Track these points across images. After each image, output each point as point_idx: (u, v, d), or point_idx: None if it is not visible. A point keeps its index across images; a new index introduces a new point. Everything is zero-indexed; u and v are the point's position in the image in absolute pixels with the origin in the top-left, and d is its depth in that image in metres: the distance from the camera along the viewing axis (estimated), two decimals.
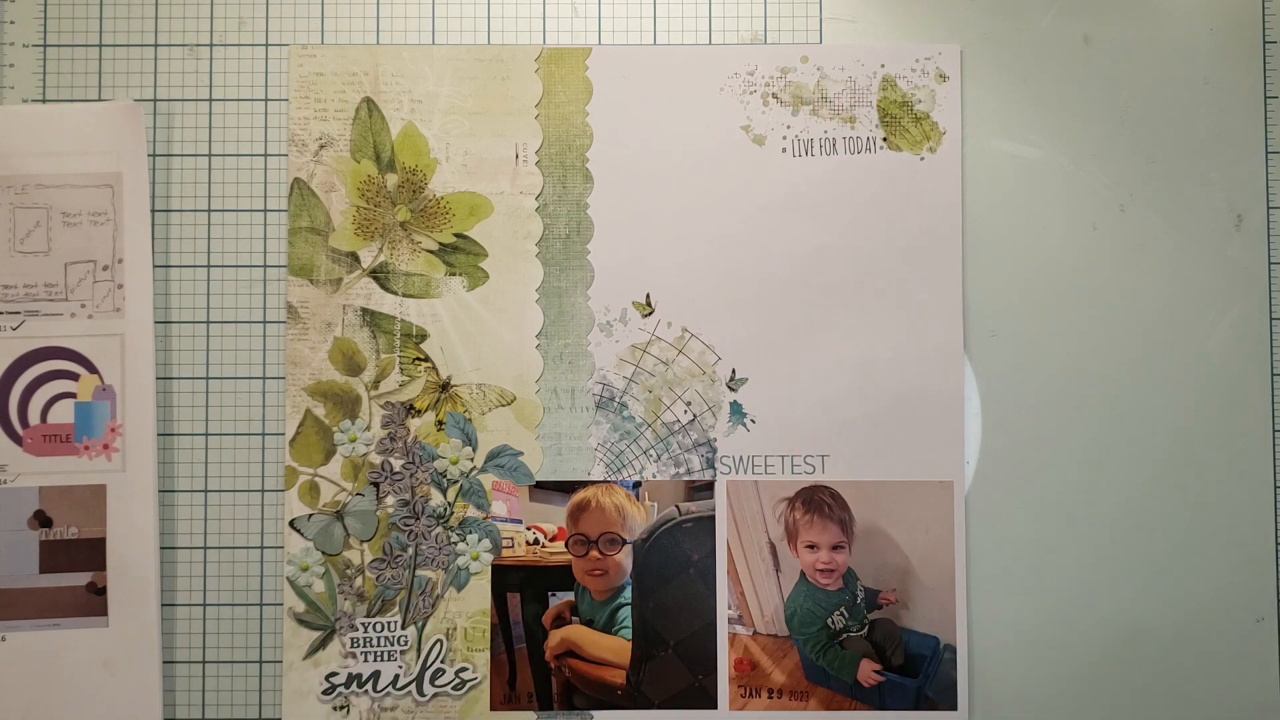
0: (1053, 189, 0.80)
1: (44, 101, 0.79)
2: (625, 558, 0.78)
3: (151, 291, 0.78)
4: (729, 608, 0.78)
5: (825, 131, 0.79)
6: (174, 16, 0.80)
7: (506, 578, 0.78)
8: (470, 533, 0.78)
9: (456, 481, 0.78)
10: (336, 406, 0.78)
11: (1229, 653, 0.78)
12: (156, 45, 0.80)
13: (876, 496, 0.78)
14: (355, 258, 0.79)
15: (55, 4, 0.80)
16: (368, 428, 0.78)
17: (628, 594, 0.78)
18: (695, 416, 0.79)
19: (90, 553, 0.77)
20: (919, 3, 0.80)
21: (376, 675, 0.77)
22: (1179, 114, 0.80)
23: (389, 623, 0.77)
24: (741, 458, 0.78)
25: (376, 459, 0.78)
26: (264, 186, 0.79)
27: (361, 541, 0.78)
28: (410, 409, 0.78)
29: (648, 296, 0.79)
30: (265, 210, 0.79)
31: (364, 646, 0.77)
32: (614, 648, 0.78)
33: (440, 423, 0.78)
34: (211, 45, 0.80)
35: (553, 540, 0.78)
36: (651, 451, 0.79)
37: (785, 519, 0.78)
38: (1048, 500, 0.79)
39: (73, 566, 0.77)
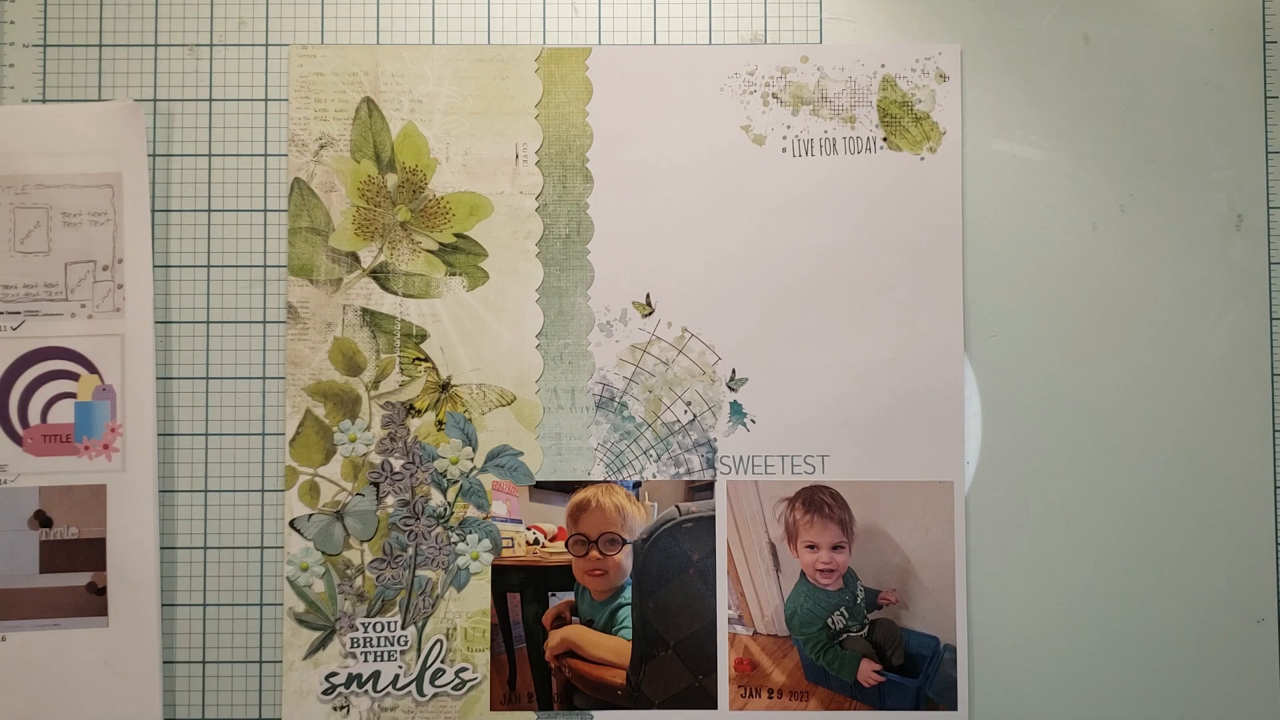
0: (1053, 189, 0.80)
1: (44, 101, 0.79)
2: (625, 558, 0.78)
3: (151, 291, 0.78)
4: (729, 608, 0.78)
5: (825, 131, 0.79)
6: (174, 16, 0.80)
7: (506, 578, 0.78)
8: (470, 533, 0.78)
9: (456, 481, 0.78)
10: (336, 406, 0.78)
11: (1229, 653, 0.78)
12: (156, 45, 0.80)
13: (876, 496, 0.78)
14: (355, 258, 0.79)
15: (55, 4, 0.80)
16: (368, 428, 0.78)
17: (628, 594, 0.78)
18: (695, 416, 0.79)
19: (90, 553, 0.77)
20: (919, 3, 0.80)
21: (376, 675, 0.77)
22: (1179, 114, 0.80)
23: (389, 623, 0.77)
24: (741, 458, 0.78)
25: (376, 459, 0.78)
26: (264, 186, 0.79)
27: (361, 541, 0.78)
28: (410, 409, 0.78)
29: (648, 296, 0.79)
30: (265, 210, 0.79)
31: (364, 646, 0.77)
32: (614, 648, 0.78)
33: (440, 423, 0.78)
34: (211, 45, 0.80)
35: (553, 540, 0.78)
36: (651, 451, 0.79)
37: (785, 519, 0.78)
38: (1048, 500, 0.79)
39: (73, 566, 0.77)
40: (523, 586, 0.78)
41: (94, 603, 0.77)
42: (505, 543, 0.78)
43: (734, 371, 0.79)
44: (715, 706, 0.77)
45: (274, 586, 0.78)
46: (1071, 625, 0.78)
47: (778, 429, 0.78)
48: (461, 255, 0.79)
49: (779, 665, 0.78)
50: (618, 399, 0.79)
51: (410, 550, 0.78)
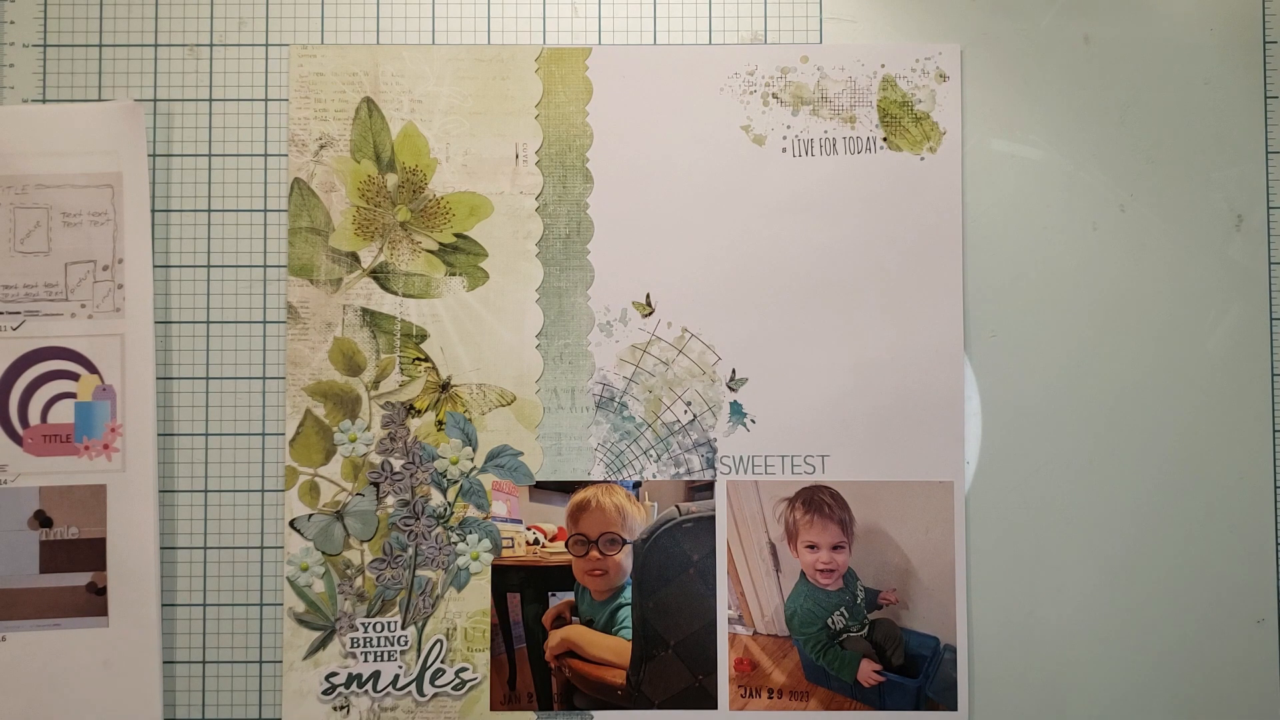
0: (1053, 189, 0.80)
1: (44, 101, 0.79)
2: (625, 558, 0.78)
3: (151, 291, 0.78)
4: (729, 608, 0.78)
5: (825, 131, 0.79)
6: (174, 16, 0.80)
7: (506, 578, 0.78)
8: (470, 533, 0.78)
9: (456, 481, 0.78)
10: (336, 406, 0.78)
11: (1229, 653, 0.78)
12: (156, 45, 0.80)
13: (876, 496, 0.78)
14: (355, 258, 0.79)
15: (55, 4, 0.80)
16: (368, 428, 0.78)
17: (628, 594, 0.78)
18: (695, 416, 0.79)
19: (90, 553, 0.77)
20: (919, 3, 0.80)
21: (376, 675, 0.77)
22: (1179, 114, 0.80)
23: (389, 623, 0.77)
24: (741, 458, 0.78)
25: (376, 459, 0.78)
26: (264, 186, 0.79)
27: (361, 541, 0.78)
28: (410, 409, 0.78)
29: (648, 296, 0.79)
30: (265, 210, 0.79)
31: (364, 646, 0.77)
32: (614, 648, 0.78)
33: (440, 423, 0.78)
34: (211, 45, 0.80)
35: (553, 540, 0.78)
36: (651, 451, 0.79)
37: (785, 519, 0.78)
38: (1048, 500, 0.79)
39: (73, 566, 0.77)
40: (523, 586, 0.78)
41: (94, 603, 0.77)
42: (505, 543, 0.78)
43: (734, 371, 0.79)
44: (715, 706, 0.77)
45: (274, 586, 0.78)
46: (1071, 625, 0.78)
47: (778, 429, 0.78)
48: (461, 255, 0.79)
49: (779, 665, 0.78)
50: (618, 399, 0.79)
51: (410, 550, 0.78)
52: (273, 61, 0.80)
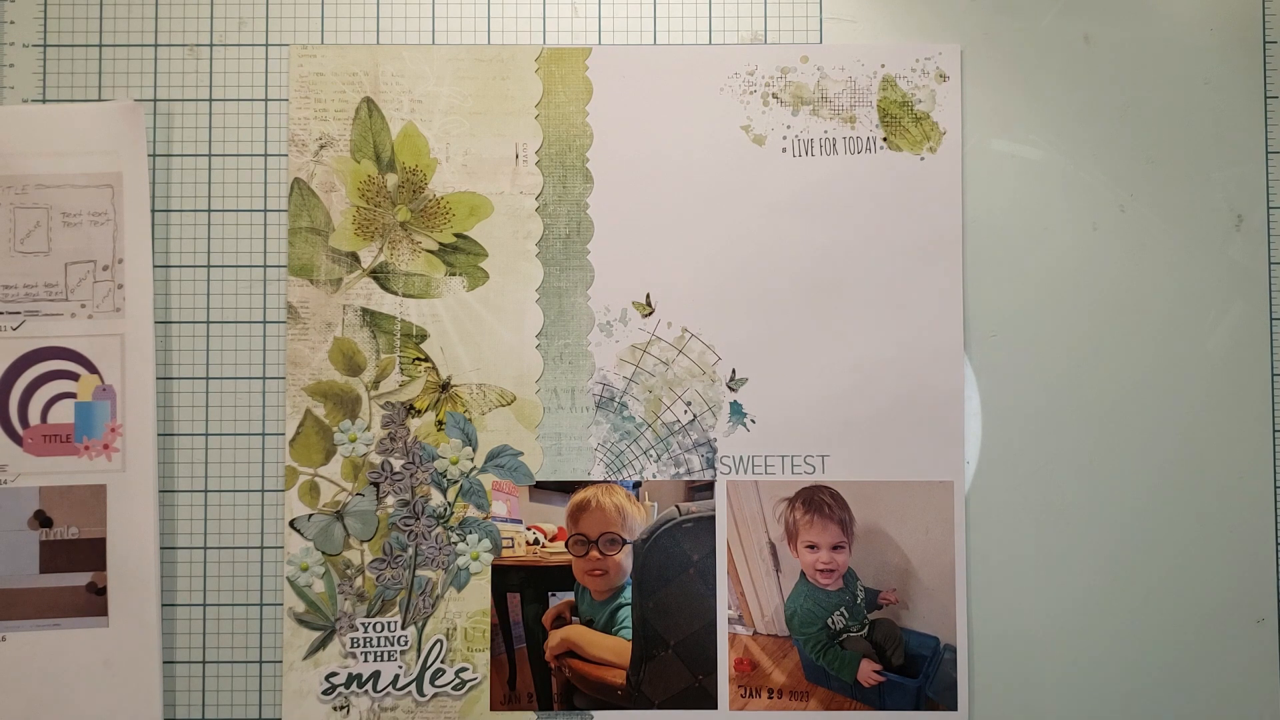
0: (1053, 189, 0.80)
1: (44, 101, 0.79)
2: (625, 558, 0.78)
3: (151, 291, 0.78)
4: (729, 608, 0.78)
5: (825, 131, 0.79)
6: (174, 16, 0.80)
7: (506, 578, 0.78)
8: (470, 533, 0.78)
9: (456, 481, 0.78)
10: (336, 406, 0.78)
11: (1229, 653, 0.78)
12: (156, 45, 0.80)
13: (876, 496, 0.78)
14: (355, 258, 0.79)
15: (55, 4, 0.80)
16: (368, 428, 0.78)
17: (628, 594, 0.78)
18: (695, 416, 0.79)
19: (90, 553, 0.77)
20: (919, 3, 0.80)
21: (376, 675, 0.77)
22: (1179, 114, 0.80)
23: (389, 623, 0.78)
24: (741, 458, 0.78)
25: (376, 459, 0.78)
26: (264, 186, 0.79)
27: (361, 541, 0.78)
28: (410, 409, 0.78)
29: (648, 296, 0.79)
30: (265, 210, 0.79)
31: (364, 646, 0.77)
32: (614, 648, 0.78)
33: (440, 423, 0.78)
34: (211, 45, 0.80)
35: (553, 540, 0.78)
36: (651, 451, 0.79)
37: (785, 519, 0.78)
38: (1048, 500, 0.79)
39: (73, 566, 0.77)
40: (523, 586, 0.78)
41: (94, 603, 0.77)
42: (505, 543, 0.78)
43: (734, 371, 0.79)
44: (715, 706, 0.77)
45: (274, 586, 0.78)
46: (1071, 625, 0.78)
47: (778, 429, 0.78)
48: (461, 255, 0.79)
49: (779, 665, 0.78)
50: (618, 399, 0.79)
51: (410, 550, 0.78)
52: (273, 61, 0.80)
